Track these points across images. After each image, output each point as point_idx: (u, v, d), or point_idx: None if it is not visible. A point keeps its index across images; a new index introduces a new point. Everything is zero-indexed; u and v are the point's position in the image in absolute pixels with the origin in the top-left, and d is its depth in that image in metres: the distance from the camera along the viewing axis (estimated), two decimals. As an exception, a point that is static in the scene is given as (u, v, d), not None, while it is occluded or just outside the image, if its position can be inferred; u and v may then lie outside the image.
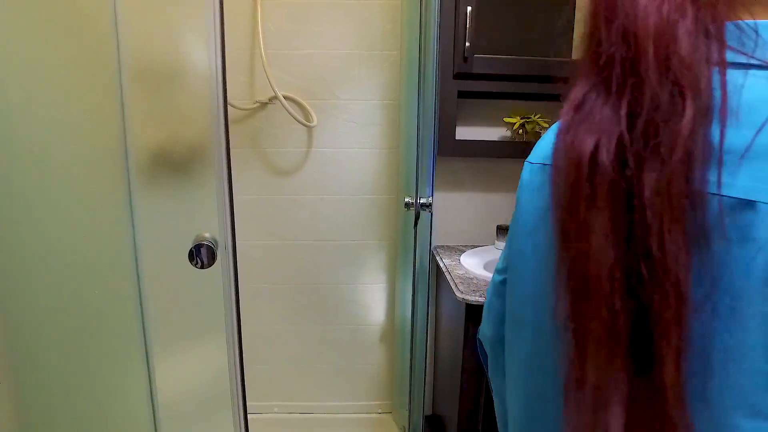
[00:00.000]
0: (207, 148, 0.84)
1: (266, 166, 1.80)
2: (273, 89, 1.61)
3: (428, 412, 1.93)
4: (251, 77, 1.74)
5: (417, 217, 1.28)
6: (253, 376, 1.94)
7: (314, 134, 1.79)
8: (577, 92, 0.40)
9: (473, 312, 1.37)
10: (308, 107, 1.75)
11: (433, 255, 1.75)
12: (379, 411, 1.95)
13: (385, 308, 1.90)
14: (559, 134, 0.41)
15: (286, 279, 1.87)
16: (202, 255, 0.83)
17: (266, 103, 1.75)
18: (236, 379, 0.87)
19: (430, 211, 1.35)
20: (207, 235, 0.89)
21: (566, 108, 0.41)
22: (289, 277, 1.87)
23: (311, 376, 1.95)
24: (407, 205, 1.31)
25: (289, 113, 1.65)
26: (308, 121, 1.75)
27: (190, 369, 0.93)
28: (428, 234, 1.44)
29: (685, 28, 0.35)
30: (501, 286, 0.59)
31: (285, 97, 1.74)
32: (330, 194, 1.82)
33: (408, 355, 1.67)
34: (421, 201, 1.34)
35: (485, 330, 0.65)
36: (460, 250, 1.74)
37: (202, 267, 0.83)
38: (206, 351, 0.92)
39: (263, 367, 1.94)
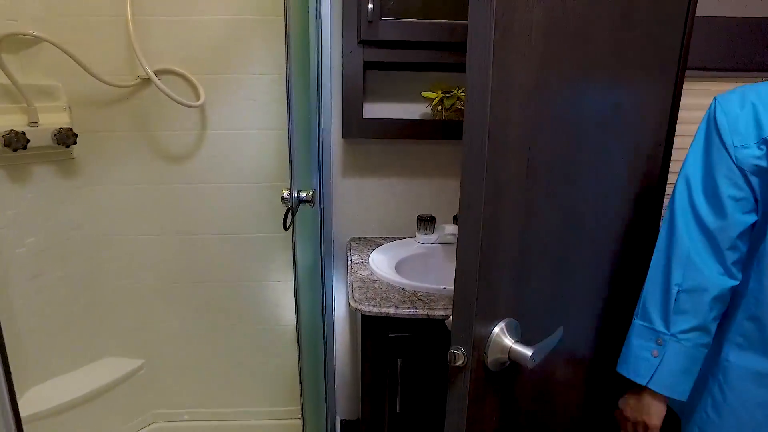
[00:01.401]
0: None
1: (156, 151, 1.57)
2: (140, 61, 1.37)
3: (353, 416, 1.78)
4: (131, 49, 1.49)
5: (288, 215, 1.06)
6: (158, 381, 1.77)
7: (209, 114, 1.56)
8: None
9: (369, 325, 1.19)
10: (197, 83, 1.51)
11: (346, 248, 1.56)
12: (298, 416, 1.80)
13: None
14: None
15: (184, 276, 1.67)
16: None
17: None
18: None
19: (313, 207, 1.15)
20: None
21: None
22: (188, 275, 1.67)
23: (221, 380, 1.78)
24: (284, 199, 1.10)
25: (163, 91, 1.42)
26: (197, 99, 1.51)
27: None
28: (318, 233, 1.24)
29: None
30: None
31: (169, 72, 1.50)
32: (230, 182, 1.60)
33: (315, 360, 1.50)
34: (301, 195, 1.13)
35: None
36: (376, 242, 1.55)
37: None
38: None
39: (168, 372, 1.76)
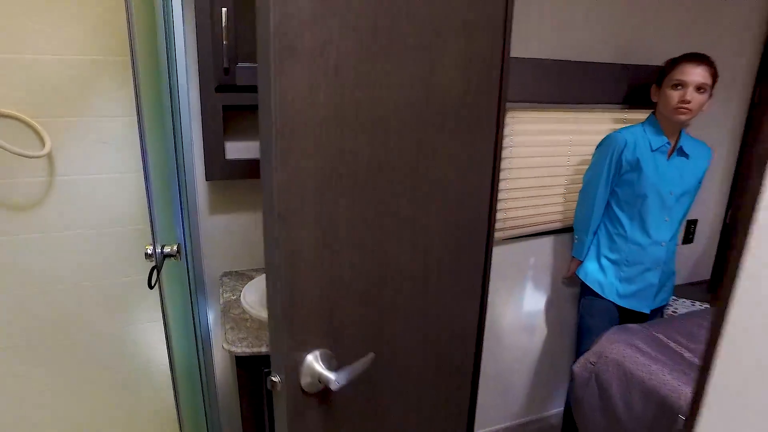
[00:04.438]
0: None
1: (-6, 201, 1.45)
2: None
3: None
4: (-46, 91, 1.36)
5: (153, 273, 1.08)
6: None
7: (56, 160, 1.47)
8: None
9: (244, 364, 1.25)
10: (40, 128, 1.43)
11: (219, 284, 1.58)
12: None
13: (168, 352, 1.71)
14: None
15: (43, 337, 1.57)
16: None
17: (-19, 124, 1.39)
18: None
19: (179, 260, 1.17)
20: None
21: None
22: (48, 334, 1.57)
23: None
24: (148, 255, 1.11)
25: None
26: (42, 145, 1.43)
27: None
28: (187, 285, 1.26)
29: None
30: None
31: (4, 116, 1.40)
32: (88, 228, 1.54)
33: (194, 400, 1.51)
34: (166, 250, 1.15)
35: None
36: (248, 275, 1.60)
37: None
38: None
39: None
